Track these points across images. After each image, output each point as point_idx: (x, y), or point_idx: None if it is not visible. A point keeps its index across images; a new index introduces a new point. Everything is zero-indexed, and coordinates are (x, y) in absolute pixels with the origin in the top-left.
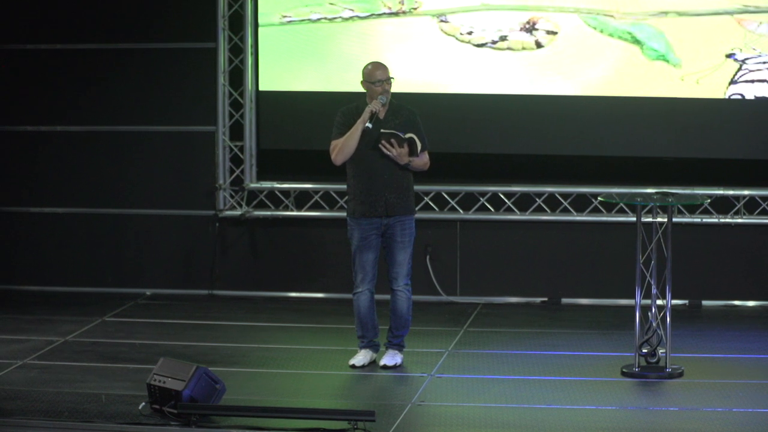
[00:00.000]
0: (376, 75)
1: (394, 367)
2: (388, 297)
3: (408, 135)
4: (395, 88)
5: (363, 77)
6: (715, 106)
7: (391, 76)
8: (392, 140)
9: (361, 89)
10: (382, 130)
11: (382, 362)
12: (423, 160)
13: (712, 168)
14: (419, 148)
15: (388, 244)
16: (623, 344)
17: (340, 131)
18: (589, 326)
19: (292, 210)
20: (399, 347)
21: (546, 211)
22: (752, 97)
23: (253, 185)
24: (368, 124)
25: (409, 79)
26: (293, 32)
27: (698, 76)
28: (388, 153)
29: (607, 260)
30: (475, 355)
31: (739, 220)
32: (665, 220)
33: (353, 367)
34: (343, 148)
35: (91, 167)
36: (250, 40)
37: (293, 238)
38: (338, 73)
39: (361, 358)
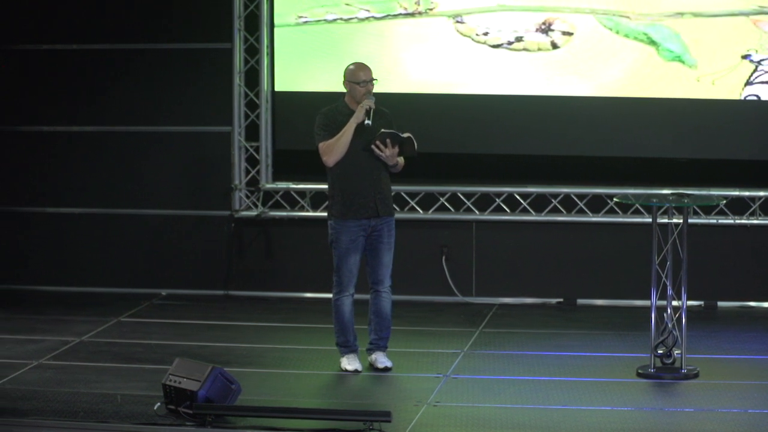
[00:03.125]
0: (360, 75)
1: (386, 369)
2: (366, 297)
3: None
4: (409, 88)
5: (345, 77)
6: (731, 107)
7: (374, 77)
8: (387, 140)
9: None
10: (382, 130)
11: (381, 365)
12: (402, 162)
13: (728, 169)
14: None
15: (374, 246)
16: (639, 345)
17: (327, 132)
18: (605, 327)
19: (307, 210)
20: (386, 348)
21: (561, 211)
22: None
23: (269, 186)
24: (368, 122)
25: (425, 79)
26: (309, 33)
27: (714, 77)
28: (380, 154)
29: (623, 261)
30: (490, 355)
31: (755, 221)
32: (681, 221)
33: (356, 372)
34: (337, 147)
35: (107, 167)
36: (265, 41)
37: (309, 239)
38: None
39: (356, 362)
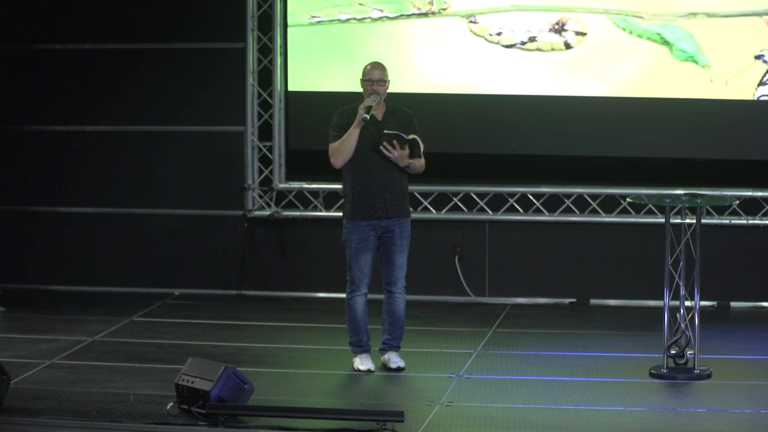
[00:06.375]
0: (368, 74)
1: (399, 369)
2: (379, 297)
3: (411, 136)
4: (422, 87)
5: (361, 75)
6: (744, 107)
7: (386, 78)
8: (394, 141)
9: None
10: (385, 131)
11: (394, 365)
12: (421, 163)
13: (741, 169)
14: (421, 149)
15: (386, 247)
16: (651, 345)
17: (338, 134)
18: (618, 327)
19: (320, 210)
20: (399, 348)
21: (575, 212)
22: None
23: (282, 185)
24: (366, 116)
25: (438, 79)
26: (322, 32)
27: (727, 77)
28: (389, 155)
29: (636, 261)
30: (503, 355)
31: None
32: (694, 221)
33: (369, 372)
34: (342, 150)
35: (120, 167)
36: (279, 41)
37: (322, 239)
38: None
39: (369, 362)
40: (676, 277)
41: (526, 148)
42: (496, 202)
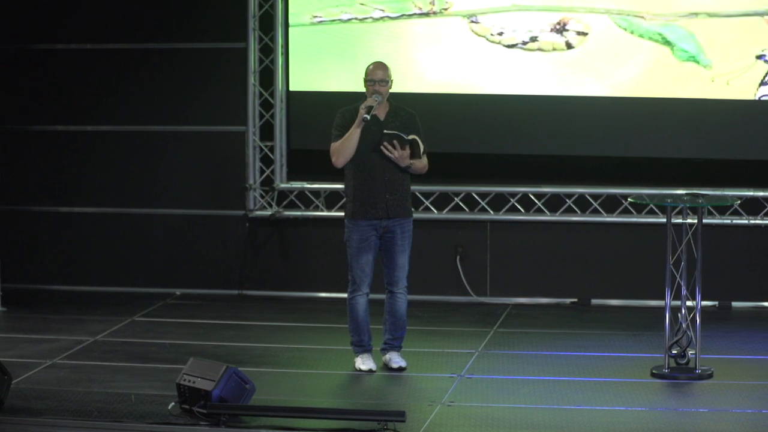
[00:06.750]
0: (370, 73)
1: (400, 369)
2: (381, 297)
3: (411, 136)
4: (423, 87)
5: (364, 75)
6: (746, 107)
7: (389, 78)
8: (394, 141)
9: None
10: (385, 131)
11: (396, 365)
12: (423, 163)
13: (742, 169)
14: (422, 150)
15: (387, 247)
16: (653, 345)
17: (340, 133)
18: (619, 327)
19: (322, 210)
20: (400, 348)
21: (576, 211)
22: None
23: (284, 185)
24: (366, 116)
25: (439, 79)
26: (324, 32)
27: (728, 77)
28: (390, 155)
29: (637, 261)
30: (505, 355)
31: None
32: (695, 221)
33: (370, 371)
34: (343, 150)
35: (121, 167)
36: (280, 40)
37: (323, 238)
38: None
39: (370, 362)
40: (678, 277)
41: (527, 148)
42: (498, 202)
